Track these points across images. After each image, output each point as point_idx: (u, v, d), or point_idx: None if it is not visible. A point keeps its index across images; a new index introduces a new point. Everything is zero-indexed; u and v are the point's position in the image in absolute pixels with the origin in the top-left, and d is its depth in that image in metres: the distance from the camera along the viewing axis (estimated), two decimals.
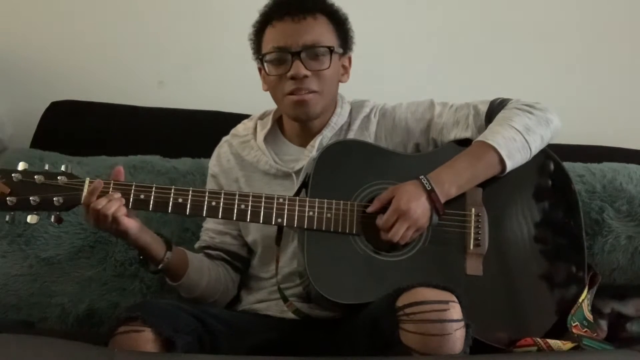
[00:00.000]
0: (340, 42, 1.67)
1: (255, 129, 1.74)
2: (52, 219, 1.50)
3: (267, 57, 1.63)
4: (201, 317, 1.47)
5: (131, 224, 1.49)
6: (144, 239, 1.54)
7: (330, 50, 1.62)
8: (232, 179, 1.73)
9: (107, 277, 1.88)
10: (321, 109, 1.65)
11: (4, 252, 1.88)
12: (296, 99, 1.62)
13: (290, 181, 1.66)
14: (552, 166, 1.67)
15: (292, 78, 1.60)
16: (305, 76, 1.60)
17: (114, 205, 1.47)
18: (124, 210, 1.48)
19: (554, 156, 1.68)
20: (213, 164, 1.78)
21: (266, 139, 1.72)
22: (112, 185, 1.51)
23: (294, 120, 1.68)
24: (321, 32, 1.63)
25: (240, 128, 1.78)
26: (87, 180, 1.50)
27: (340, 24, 1.67)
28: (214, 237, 1.73)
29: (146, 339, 1.35)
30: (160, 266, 1.57)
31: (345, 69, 1.71)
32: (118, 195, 1.49)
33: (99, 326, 1.79)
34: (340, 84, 1.71)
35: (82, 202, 1.49)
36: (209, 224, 1.75)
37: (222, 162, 1.76)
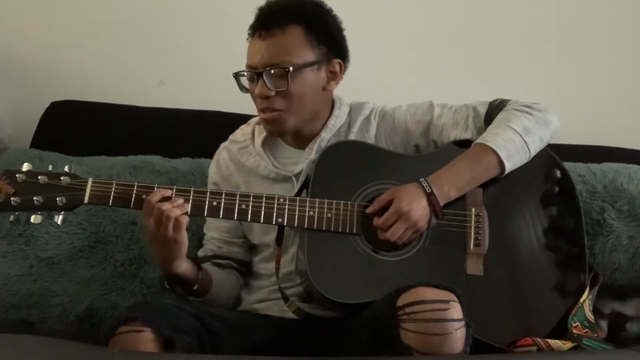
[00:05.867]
0: (322, 50, 1.63)
1: (253, 134, 1.74)
2: (55, 219, 1.49)
3: (241, 73, 1.64)
4: (201, 317, 1.47)
5: (186, 236, 1.49)
6: (186, 261, 1.53)
7: (286, 71, 1.58)
8: (233, 186, 1.72)
9: (107, 277, 1.88)
10: (293, 125, 1.64)
11: (4, 252, 1.88)
12: (264, 117, 1.63)
13: (291, 184, 1.66)
14: (552, 166, 1.67)
15: (258, 97, 1.61)
16: (269, 96, 1.60)
17: (178, 211, 1.47)
18: (186, 218, 1.48)
19: (554, 156, 1.67)
20: (213, 172, 1.78)
21: (264, 143, 1.71)
22: (174, 191, 1.50)
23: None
24: (287, 50, 1.59)
25: (239, 134, 1.78)
26: (90, 180, 1.50)
27: (319, 33, 1.62)
28: (222, 247, 1.72)
29: (146, 339, 1.34)
30: (195, 287, 1.57)
31: (334, 75, 1.66)
32: (181, 201, 1.49)
33: (99, 326, 1.78)
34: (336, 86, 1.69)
35: (146, 202, 1.48)
36: (214, 232, 1.74)
37: (222, 169, 1.76)
